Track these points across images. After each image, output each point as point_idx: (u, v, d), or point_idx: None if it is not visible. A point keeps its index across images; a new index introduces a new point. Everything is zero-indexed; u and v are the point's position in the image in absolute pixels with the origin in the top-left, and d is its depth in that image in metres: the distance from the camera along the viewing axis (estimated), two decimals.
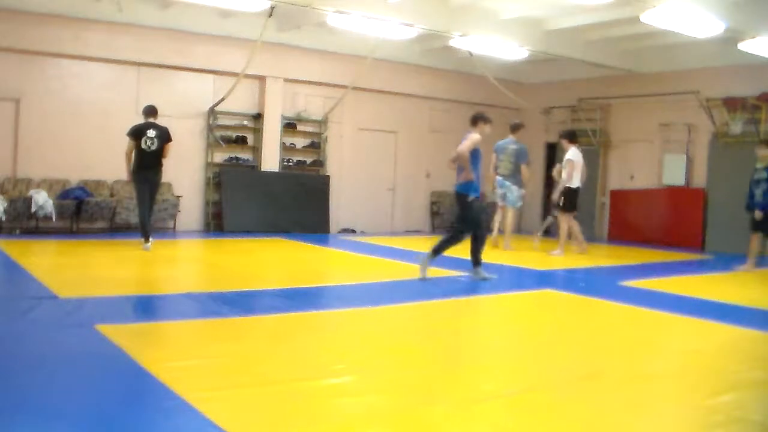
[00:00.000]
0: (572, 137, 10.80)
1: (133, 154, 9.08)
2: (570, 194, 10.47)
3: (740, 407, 3.61)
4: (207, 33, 11.75)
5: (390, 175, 14.60)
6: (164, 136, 9.19)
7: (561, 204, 10.50)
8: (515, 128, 10.98)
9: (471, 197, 7.36)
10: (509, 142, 10.89)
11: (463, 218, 7.54)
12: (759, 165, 9.23)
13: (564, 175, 10.48)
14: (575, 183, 10.44)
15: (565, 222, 10.55)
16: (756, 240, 9.38)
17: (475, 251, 7.57)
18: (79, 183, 11.08)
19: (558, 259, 10.02)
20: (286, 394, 3.47)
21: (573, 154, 10.48)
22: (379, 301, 6.15)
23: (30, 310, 5.08)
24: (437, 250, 7.48)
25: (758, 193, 9.08)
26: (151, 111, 9.30)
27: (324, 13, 9.90)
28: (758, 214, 9.09)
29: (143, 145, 9.02)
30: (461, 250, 8.52)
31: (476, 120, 7.57)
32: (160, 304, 5.91)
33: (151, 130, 9.09)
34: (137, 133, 9.06)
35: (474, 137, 7.33)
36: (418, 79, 14.16)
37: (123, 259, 8.53)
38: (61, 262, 8.17)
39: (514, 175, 10.92)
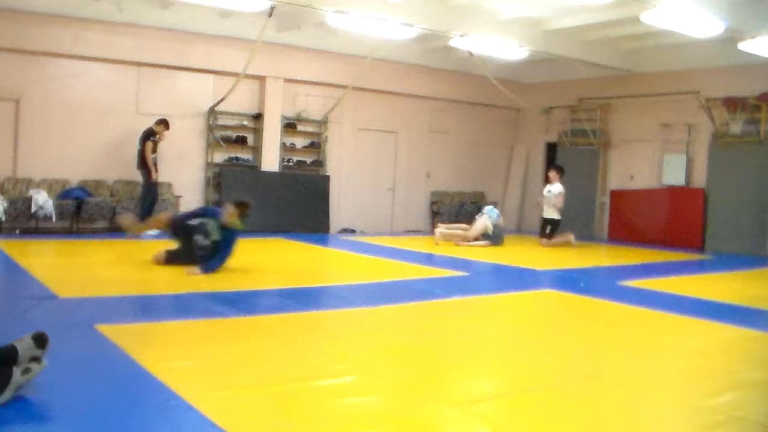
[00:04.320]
0: (563, 171, 12.10)
1: None
2: (556, 225, 11.79)
3: (740, 407, 3.61)
4: (207, 33, 11.75)
5: (390, 175, 14.60)
6: (143, 137, 10.69)
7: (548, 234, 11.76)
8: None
9: None
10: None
11: None
12: None
13: (553, 206, 11.74)
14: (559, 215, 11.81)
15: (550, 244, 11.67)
16: None
17: None
18: (79, 183, 11.08)
19: (558, 259, 10.01)
20: (286, 394, 3.47)
21: (561, 187, 11.73)
22: (379, 301, 6.15)
23: (30, 310, 5.07)
24: None
25: None
26: (157, 122, 10.94)
27: (324, 13, 9.90)
28: None
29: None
30: (458, 250, 8.52)
31: None
32: (160, 304, 5.90)
33: (140, 134, 10.83)
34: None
35: None
36: (418, 79, 14.15)
37: (123, 259, 8.53)
38: (61, 262, 8.17)
39: None
